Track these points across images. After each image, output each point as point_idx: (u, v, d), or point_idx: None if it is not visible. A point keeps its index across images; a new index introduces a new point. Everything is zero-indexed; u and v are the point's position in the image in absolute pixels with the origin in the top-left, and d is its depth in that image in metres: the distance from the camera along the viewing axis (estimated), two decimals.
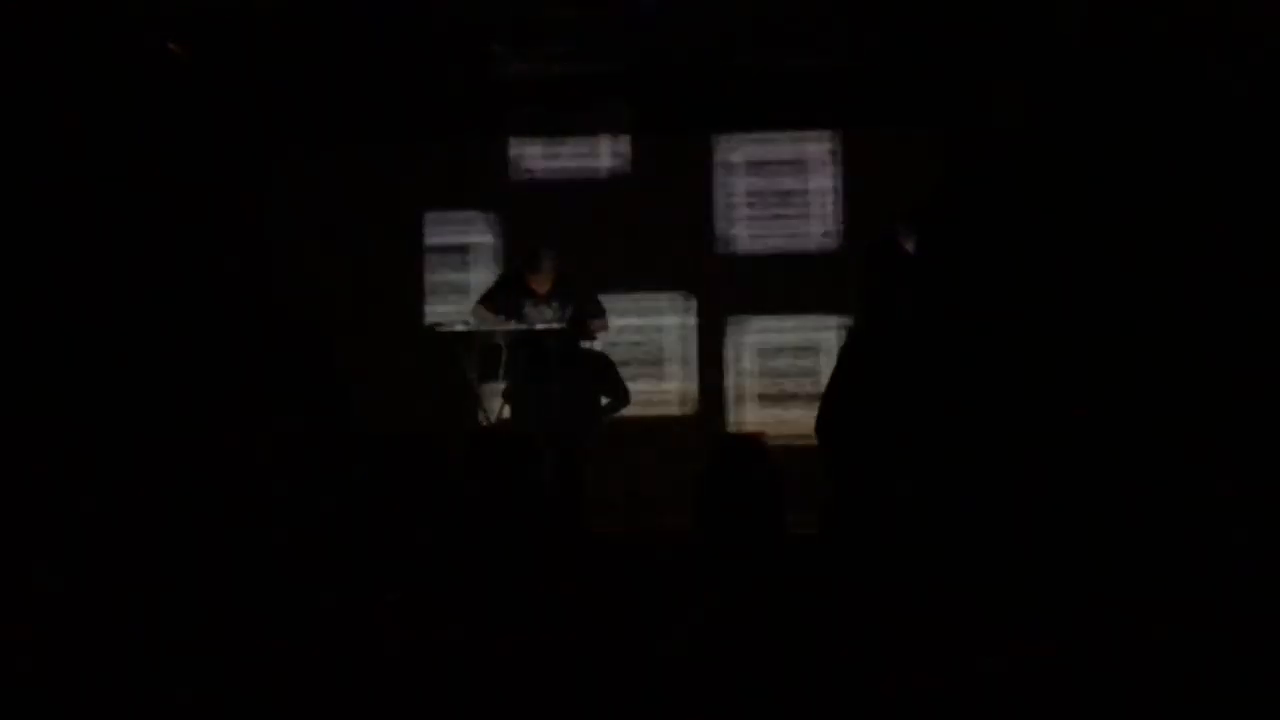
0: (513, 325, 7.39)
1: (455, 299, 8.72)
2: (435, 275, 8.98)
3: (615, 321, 8.01)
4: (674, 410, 8.83)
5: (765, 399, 8.81)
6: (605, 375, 7.75)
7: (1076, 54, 6.67)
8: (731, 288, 8.82)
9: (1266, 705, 2.61)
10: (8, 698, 2.99)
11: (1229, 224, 5.69)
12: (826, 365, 4.42)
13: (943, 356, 3.82)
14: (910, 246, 4.76)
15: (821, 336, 8.64)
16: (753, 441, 3.53)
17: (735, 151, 8.96)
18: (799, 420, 8.00)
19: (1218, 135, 5.92)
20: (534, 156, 9.01)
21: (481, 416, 7.65)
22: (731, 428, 8.70)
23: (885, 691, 2.69)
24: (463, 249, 9.00)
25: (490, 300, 7.62)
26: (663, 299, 8.89)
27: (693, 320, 8.90)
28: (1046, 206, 5.64)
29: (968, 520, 3.62)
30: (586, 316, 7.52)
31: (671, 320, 8.90)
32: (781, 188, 8.93)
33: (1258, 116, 5.73)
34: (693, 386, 8.88)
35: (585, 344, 7.66)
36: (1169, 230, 5.79)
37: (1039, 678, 2.71)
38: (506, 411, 7.55)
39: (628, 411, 8.01)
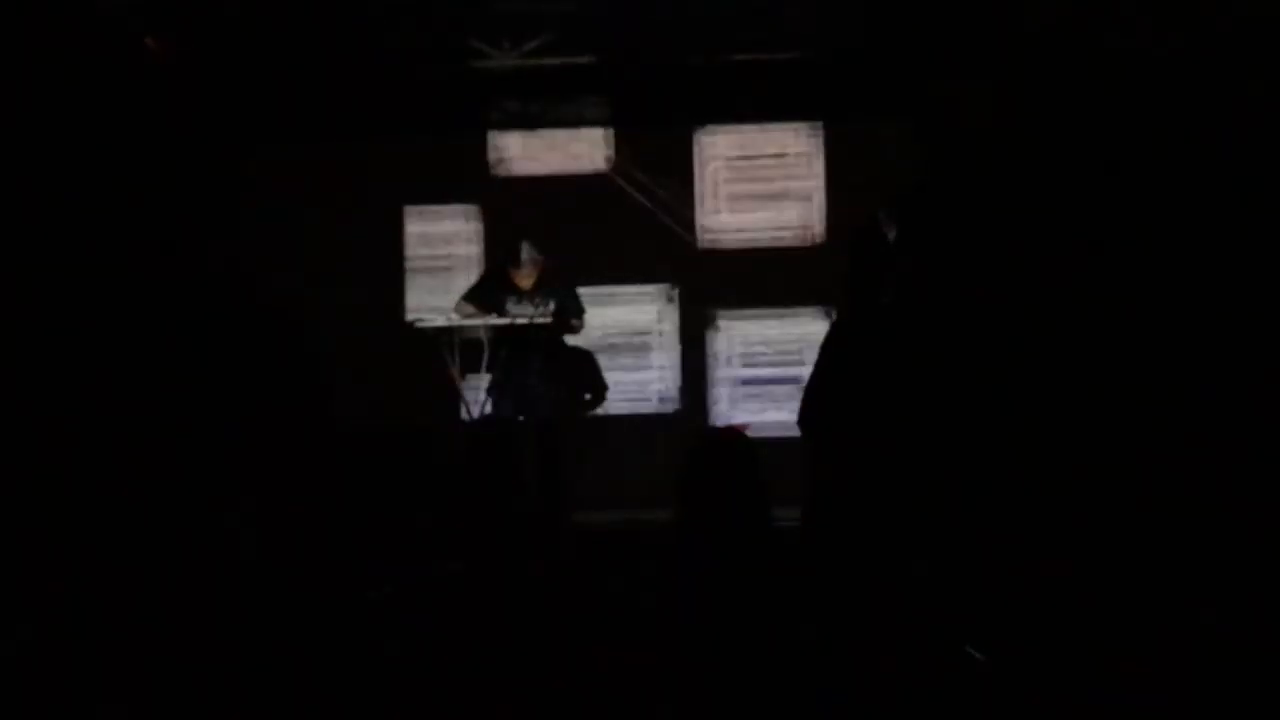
0: (495, 320, 7.36)
1: (437, 294, 8.67)
2: (416, 270, 8.94)
3: (600, 315, 7.97)
4: (657, 404, 8.80)
5: (749, 392, 8.78)
6: (586, 370, 7.76)
7: (1051, 45, 6.67)
8: (715, 281, 8.80)
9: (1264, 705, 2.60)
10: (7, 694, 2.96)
11: (1202, 213, 5.69)
12: (810, 358, 4.40)
13: (925, 345, 3.80)
14: (892, 235, 4.74)
15: (806, 329, 8.62)
16: (736, 435, 3.50)
17: (718, 144, 8.93)
18: (783, 413, 7.99)
19: (1189, 124, 5.92)
20: (515, 150, 8.98)
21: (464, 411, 7.62)
22: (715, 421, 8.68)
23: (868, 682, 2.67)
24: (444, 244, 8.96)
25: (473, 296, 7.59)
26: (646, 293, 8.85)
27: (676, 313, 8.87)
28: (1026, 195, 5.64)
29: (950, 511, 3.60)
30: (567, 312, 7.49)
31: (655, 314, 8.86)
32: (764, 181, 8.90)
33: (1228, 104, 5.74)
34: (676, 380, 8.85)
35: (567, 339, 7.64)
36: (1145, 219, 5.79)
37: (1021, 667, 2.70)
38: (489, 406, 7.51)
39: (612, 405, 8.00)
